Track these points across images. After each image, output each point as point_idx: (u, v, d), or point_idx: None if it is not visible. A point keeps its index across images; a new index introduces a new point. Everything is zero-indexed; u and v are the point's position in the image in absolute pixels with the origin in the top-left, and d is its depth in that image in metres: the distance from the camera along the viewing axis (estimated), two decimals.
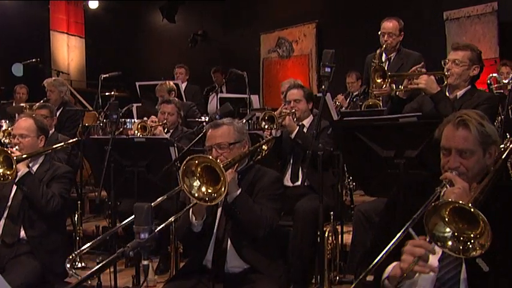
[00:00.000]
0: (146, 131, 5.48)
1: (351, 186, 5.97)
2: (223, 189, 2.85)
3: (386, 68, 5.68)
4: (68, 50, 12.91)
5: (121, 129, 6.66)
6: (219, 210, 3.38)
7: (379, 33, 5.83)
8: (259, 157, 3.52)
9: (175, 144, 4.31)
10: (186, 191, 2.91)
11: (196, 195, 2.91)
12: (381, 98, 5.80)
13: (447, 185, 2.49)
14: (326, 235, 4.41)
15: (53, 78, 8.06)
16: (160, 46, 13.40)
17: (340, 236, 4.77)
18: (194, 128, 6.87)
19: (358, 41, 10.15)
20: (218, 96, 8.71)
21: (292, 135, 4.79)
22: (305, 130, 4.95)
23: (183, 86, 8.45)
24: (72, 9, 13.10)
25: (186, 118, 7.00)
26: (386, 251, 2.22)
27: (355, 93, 5.56)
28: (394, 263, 2.37)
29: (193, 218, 3.24)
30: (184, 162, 2.90)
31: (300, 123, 4.98)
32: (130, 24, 13.47)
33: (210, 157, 3.00)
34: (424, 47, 5.99)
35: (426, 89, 3.91)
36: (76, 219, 5.56)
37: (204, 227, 3.29)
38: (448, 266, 2.46)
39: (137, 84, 8.06)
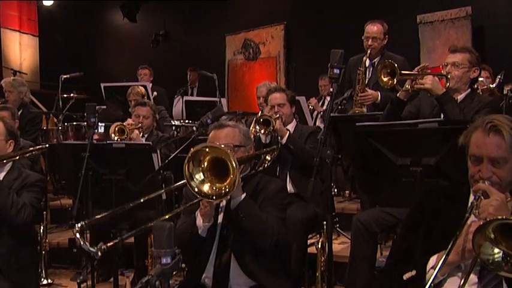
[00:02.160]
0: (124, 133, 5.15)
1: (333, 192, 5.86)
2: (229, 187, 2.66)
3: (370, 74, 5.67)
4: (20, 49, 12.35)
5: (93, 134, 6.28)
6: (220, 217, 3.13)
7: (363, 37, 5.71)
8: (261, 168, 3.29)
9: (158, 151, 4.00)
10: (189, 183, 2.71)
11: (198, 189, 2.72)
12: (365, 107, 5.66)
13: (482, 197, 2.32)
14: (319, 246, 4.24)
15: (12, 77, 7.61)
16: (121, 46, 13.03)
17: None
18: (169, 133, 6.64)
19: (328, 43, 9.87)
20: (184, 99, 8.45)
21: (284, 140, 4.62)
22: (289, 132, 4.76)
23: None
24: (24, 6, 12.54)
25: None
26: (438, 269, 2.05)
27: (342, 97, 5.40)
28: (435, 256, 2.33)
29: (200, 220, 3.00)
30: (194, 149, 2.70)
31: (285, 129, 4.79)
32: (89, 23, 13.04)
33: (224, 148, 2.76)
34: (398, 51, 5.86)
35: (432, 89, 3.80)
36: (42, 231, 5.17)
37: (206, 235, 3.04)
38: (489, 284, 2.32)
39: (102, 85, 7.68)
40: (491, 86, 5.85)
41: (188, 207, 2.99)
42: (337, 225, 5.72)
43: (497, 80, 5.91)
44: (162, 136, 5.52)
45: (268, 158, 3.36)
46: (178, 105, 8.75)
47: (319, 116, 8.48)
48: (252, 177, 3.24)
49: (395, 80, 3.81)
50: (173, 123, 7.08)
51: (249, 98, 10.96)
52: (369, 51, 5.61)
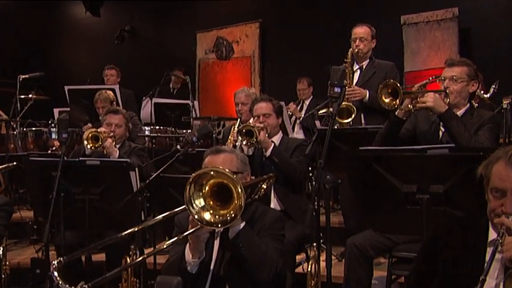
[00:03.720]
0: (99, 141, 4.97)
1: None
2: (235, 213, 2.60)
3: (358, 76, 5.64)
4: None
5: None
6: (215, 248, 3.02)
7: (350, 39, 5.72)
8: (256, 196, 3.20)
9: (136, 168, 3.85)
10: (189, 209, 2.63)
11: (199, 216, 2.64)
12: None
13: (506, 234, 2.27)
14: (309, 269, 4.16)
15: None
16: (83, 42, 12.74)
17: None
18: (141, 142, 6.46)
19: (307, 44, 10.02)
20: (153, 102, 8.27)
21: (268, 153, 4.57)
22: (274, 144, 4.72)
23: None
24: None
25: None
26: None
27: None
28: None
29: (190, 255, 2.88)
30: (197, 173, 2.64)
31: (270, 140, 4.74)
32: (48, 16, 12.78)
33: (230, 173, 2.67)
34: (380, 53, 5.84)
35: (434, 107, 3.77)
36: (1, 253, 4.95)
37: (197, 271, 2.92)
38: None
39: (66, 88, 7.45)
40: (484, 96, 5.84)
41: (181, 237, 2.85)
42: (322, 241, 5.66)
43: (491, 90, 5.90)
44: (135, 147, 5.35)
45: (264, 186, 3.26)
46: (147, 108, 8.56)
47: (297, 121, 8.41)
48: (248, 206, 3.13)
49: (398, 100, 3.76)
50: (146, 130, 6.91)
51: (221, 100, 10.88)
52: (355, 50, 5.57)
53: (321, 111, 7.62)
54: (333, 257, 5.48)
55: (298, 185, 4.84)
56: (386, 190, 3.07)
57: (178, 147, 3.64)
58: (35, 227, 6.57)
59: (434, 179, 2.94)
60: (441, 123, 3.90)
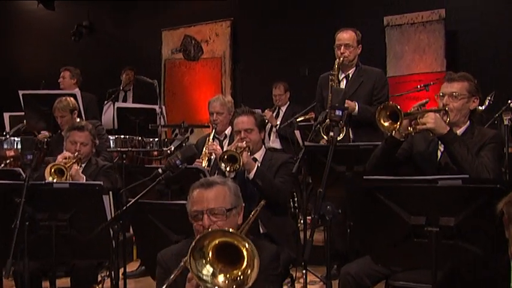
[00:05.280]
0: (64, 175, 4.77)
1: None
2: (251, 269, 2.55)
3: (344, 86, 5.59)
4: None
5: None
6: None
7: (334, 46, 5.67)
8: (247, 226, 3.11)
9: (110, 192, 3.73)
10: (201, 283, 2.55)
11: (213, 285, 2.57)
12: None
13: None
14: None
15: None
16: (36, 38, 12.53)
17: None
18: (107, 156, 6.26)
19: (283, 44, 9.98)
20: (115, 106, 8.12)
21: (251, 175, 4.49)
22: (258, 165, 4.65)
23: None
24: None
25: None
26: None
27: (317, 122, 5.25)
28: None
29: None
30: (195, 243, 2.53)
31: (252, 157, 4.68)
32: None
33: (235, 233, 2.60)
34: (360, 56, 5.78)
35: (435, 129, 3.75)
36: None
37: None
38: None
39: (20, 93, 7.23)
40: (479, 108, 5.82)
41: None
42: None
43: (487, 102, 5.91)
44: (103, 166, 5.18)
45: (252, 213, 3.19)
46: (109, 113, 8.41)
47: (273, 130, 8.35)
48: None
49: (398, 124, 3.71)
50: (111, 139, 6.74)
51: (189, 104, 10.81)
52: (341, 60, 5.52)
53: (299, 119, 7.62)
54: (317, 279, 5.51)
55: (283, 206, 4.77)
56: (391, 221, 3.03)
57: (160, 170, 3.51)
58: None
59: (445, 210, 2.90)
60: (440, 142, 3.89)
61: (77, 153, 5.00)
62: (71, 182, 4.33)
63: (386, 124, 3.77)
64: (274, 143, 8.35)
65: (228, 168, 4.40)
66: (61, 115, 6.37)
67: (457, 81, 3.96)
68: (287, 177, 4.63)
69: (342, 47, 5.61)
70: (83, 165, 5.13)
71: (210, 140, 5.77)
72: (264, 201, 3.94)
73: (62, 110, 6.37)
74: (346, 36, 5.66)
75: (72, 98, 6.66)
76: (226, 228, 2.66)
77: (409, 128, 3.77)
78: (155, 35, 11.35)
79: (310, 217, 7.04)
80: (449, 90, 3.94)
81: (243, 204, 3.16)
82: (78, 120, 6.58)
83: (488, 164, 3.72)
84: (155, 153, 8.01)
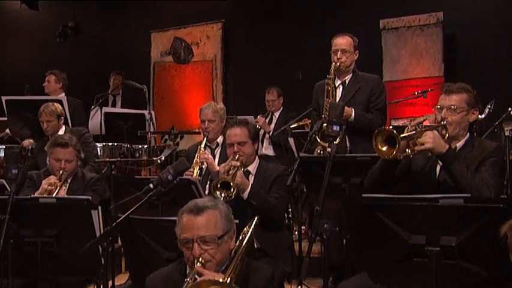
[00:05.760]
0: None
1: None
2: None
3: (340, 93, 5.59)
4: None
5: None
6: None
7: (331, 51, 5.66)
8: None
9: (99, 207, 3.71)
10: None
11: None
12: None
13: None
14: None
15: None
16: (19, 40, 12.47)
17: None
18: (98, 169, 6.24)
19: (277, 48, 9.99)
20: (103, 111, 8.10)
21: (245, 195, 4.47)
22: (251, 178, 4.68)
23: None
24: None
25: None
26: None
27: (312, 132, 5.24)
28: None
29: None
30: None
31: (245, 170, 4.68)
32: None
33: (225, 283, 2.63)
34: (357, 60, 5.79)
35: (434, 148, 3.72)
36: None
37: None
38: None
39: (3, 99, 7.21)
40: (479, 116, 5.83)
41: None
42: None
43: (486, 110, 5.91)
44: (90, 179, 5.12)
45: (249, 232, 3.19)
46: (96, 118, 8.38)
47: (266, 136, 8.34)
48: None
49: (396, 148, 3.70)
50: (98, 146, 6.71)
51: (179, 109, 10.81)
52: (337, 65, 5.52)
53: (293, 126, 7.62)
54: None
55: (277, 221, 4.76)
56: (390, 240, 3.04)
57: (151, 185, 3.49)
58: None
59: (446, 230, 2.90)
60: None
61: (62, 172, 4.95)
62: (58, 196, 4.29)
63: (384, 149, 3.75)
64: (267, 149, 8.33)
65: (223, 195, 4.35)
66: (47, 120, 6.34)
67: (455, 93, 3.93)
68: (282, 193, 4.63)
69: (339, 53, 5.59)
70: (69, 180, 5.09)
71: (202, 148, 5.77)
72: (257, 218, 3.91)
73: (49, 114, 6.35)
74: (342, 41, 5.65)
75: (58, 104, 6.64)
76: (216, 278, 2.67)
77: (407, 150, 3.73)
78: (144, 36, 11.32)
79: (304, 227, 7.09)
80: (448, 103, 3.91)
81: (235, 228, 3.14)
82: (64, 127, 6.58)
83: (489, 181, 3.71)
84: (144, 158, 8.00)
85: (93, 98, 8.67)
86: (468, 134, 4.00)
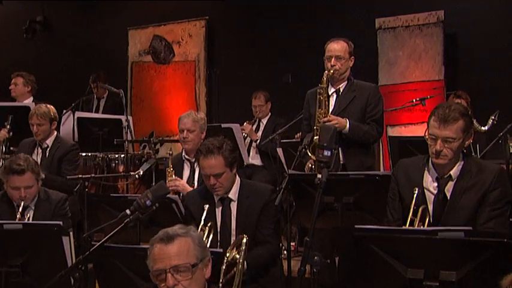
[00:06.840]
0: None
1: None
2: None
3: (334, 102, 5.60)
4: None
5: None
6: None
7: (324, 57, 5.66)
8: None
9: (70, 233, 3.71)
10: None
11: None
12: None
13: None
14: None
15: None
16: None
17: None
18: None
19: (264, 48, 9.99)
20: (75, 116, 8.09)
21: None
22: (233, 206, 4.69)
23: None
24: None
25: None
26: None
27: (302, 146, 5.23)
28: None
29: None
30: None
31: (226, 197, 4.70)
32: None
33: None
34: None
35: None
36: None
37: None
38: None
39: None
40: (481, 128, 5.88)
41: None
42: None
43: (490, 122, 5.94)
44: (57, 203, 5.01)
45: (237, 256, 3.21)
46: (68, 124, 8.38)
47: (253, 145, 8.34)
48: None
49: None
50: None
51: (159, 112, 10.82)
52: (331, 72, 5.52)
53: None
54: None
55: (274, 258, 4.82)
56: (385, 274, 3.05)
57: (128, 211, 3.49)
58: None
59: (445, 264, 2.91)
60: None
61: (21, 201, 4.85)
62: (24, 222, 4.27)
63: None
64: (254, 159, 8.32)
65: None
66: (38, 123, 6.31)
67: (451, 123, 3.82)
68: (272, 227, 4.66)
69: (333, 59, 5.59)
70: (33, 207, 4.99)
71: (170, 170, 5.79)
72: (246, 238, 3.90)
73: (41, 117, 6.31)
74: (337, 47, 5.65)
75: (52, 106, 6.57)
76: None
77: None
78: (121, 34, 11.31)
79: (293, 243, 7.10)
80: (444, 134, 3.84)
81: (209, 256, 3.16)
82: (56, 133, 6.56)
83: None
84: (121, 169, 7.98)
85: (64, 103, 8.60)
86: (463, 160, 3.97)
